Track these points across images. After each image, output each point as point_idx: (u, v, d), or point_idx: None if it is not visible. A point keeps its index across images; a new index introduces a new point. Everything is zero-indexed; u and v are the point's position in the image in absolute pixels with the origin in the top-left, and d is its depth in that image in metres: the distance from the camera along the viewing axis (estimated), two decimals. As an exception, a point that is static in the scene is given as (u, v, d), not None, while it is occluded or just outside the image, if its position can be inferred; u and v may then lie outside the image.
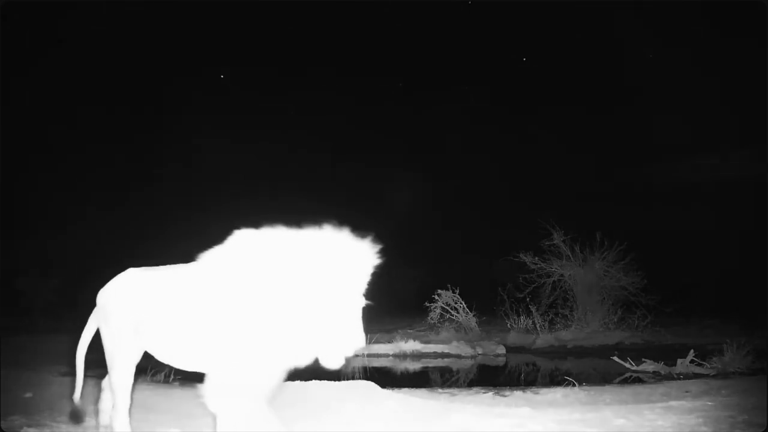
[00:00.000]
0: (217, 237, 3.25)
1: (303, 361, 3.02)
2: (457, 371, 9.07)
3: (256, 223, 3.15)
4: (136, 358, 3.55)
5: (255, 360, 3.02)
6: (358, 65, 17.96)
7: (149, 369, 7.13)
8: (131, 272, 3.61)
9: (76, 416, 3.84)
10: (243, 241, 3.15)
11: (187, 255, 3.44)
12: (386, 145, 17.85)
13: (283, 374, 3.17)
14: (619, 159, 16.79)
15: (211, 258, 3.26)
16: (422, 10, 17.50)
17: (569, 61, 17.51)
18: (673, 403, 5.31)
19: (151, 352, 3.52)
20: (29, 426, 4.36)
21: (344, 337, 2.84)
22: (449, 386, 7.48)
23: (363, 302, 2.93)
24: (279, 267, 2.95)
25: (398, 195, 16.24)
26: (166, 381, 6.78)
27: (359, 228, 3.00)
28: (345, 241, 2.92)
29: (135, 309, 3.44)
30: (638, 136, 17.07)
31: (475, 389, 6.58)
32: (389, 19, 18.05)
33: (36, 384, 5.90)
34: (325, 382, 5.49)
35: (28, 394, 5.48)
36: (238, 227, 3.18)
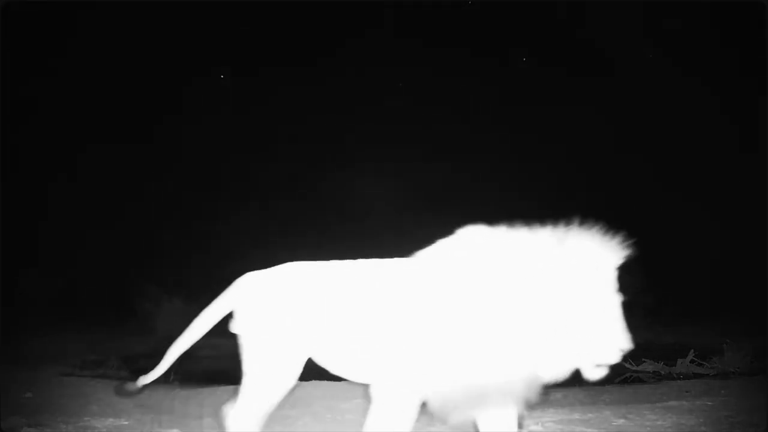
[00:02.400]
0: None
1: (560, 373, 2.72)
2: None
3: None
4: (294, 366, 3.05)
5: (496, 373, 2.67)
6: (355, 65, 17.96)
7: (149, 369, 7.12)
8: (295, 266, 3.11)
9: (126, 391, 3.39)
10: (479, 239, 2.84)
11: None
12: (386, 145, 17.83)
13: (537, 388, 2.78)
14: (619, 158, 16.79)
15: (435, 255, 2.89)
16: (421, 10, 17.54)
17: (569, 61, 17.51)
18: (672, 403, 5.31)
19: (321, 359, 3.05)
20: (29, 426, 4.37)
21: (606, 341, 2.57)
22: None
23: (620, 298, 2.66)
24: (524, 269, 2.67)
25: (397, 194, 16.27)
26: (166, 381, 6.78)
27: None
28: (591, 238, 2.71)
29: (309, 309, 2.97)
30: (637, 135, 17.08)
31: (475, 389, 6.57)
32: (388, 19, 18.07)
33: (36, 384, 5.91)
34: (325, 382, 5.49)
35: (28, 394, 5.49)
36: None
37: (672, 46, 16.18)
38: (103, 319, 11.42)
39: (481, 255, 2.79)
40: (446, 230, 2.96)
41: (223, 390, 5.50)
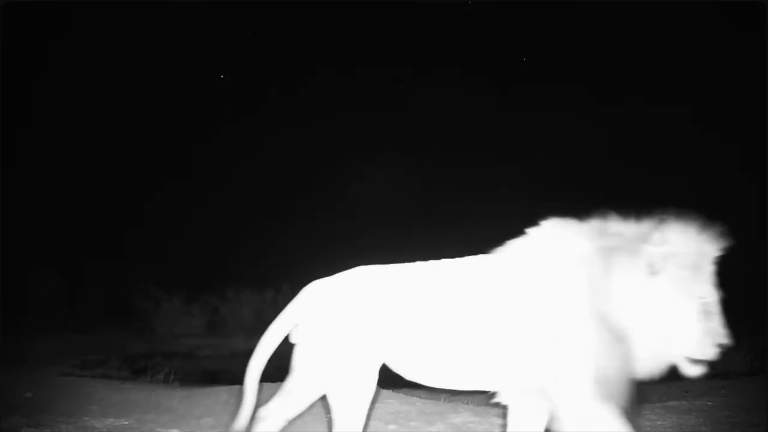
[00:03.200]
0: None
1: (656, 369, 2.69)
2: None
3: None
4: (371, 376, 2.86)
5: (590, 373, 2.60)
6: (355, 65, 18.00)
7: (149, 369, 7.14)
8: (363, 271, 2.89)
9: None
10: (569, 232, 2.76)
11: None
12: (386, 144, 17.86)
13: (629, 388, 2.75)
14: (618, 158, 16.78)
15: (524, 250, 2.79)
16: (421, 10, 17.57)
17: (569, 61, 17.52)
18: (672, 403, 5.32)
19: (402, 367, 2.83)
20: (29, 426, 4.36)
21: (702, 336, 2.51)
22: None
23: (716, 294, 2.56)
24: (621, 262, 2.61)
25: (400, 193, 16.29)
26: (166, 381, 6.79)
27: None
28: (689, 230, 2.63)
29: (390, 316, 2.76)
30: (637, 136, 17.08)
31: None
32: (388, 19, 18.10)
33: (36, 384, 5.90)
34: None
35: (28, 394, 5.48)
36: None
37: (672, 46, 16.18)
38: (103, 319, 11.44)
39: (574, 249, 2.70)
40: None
41: (223, 390, 5.49)
